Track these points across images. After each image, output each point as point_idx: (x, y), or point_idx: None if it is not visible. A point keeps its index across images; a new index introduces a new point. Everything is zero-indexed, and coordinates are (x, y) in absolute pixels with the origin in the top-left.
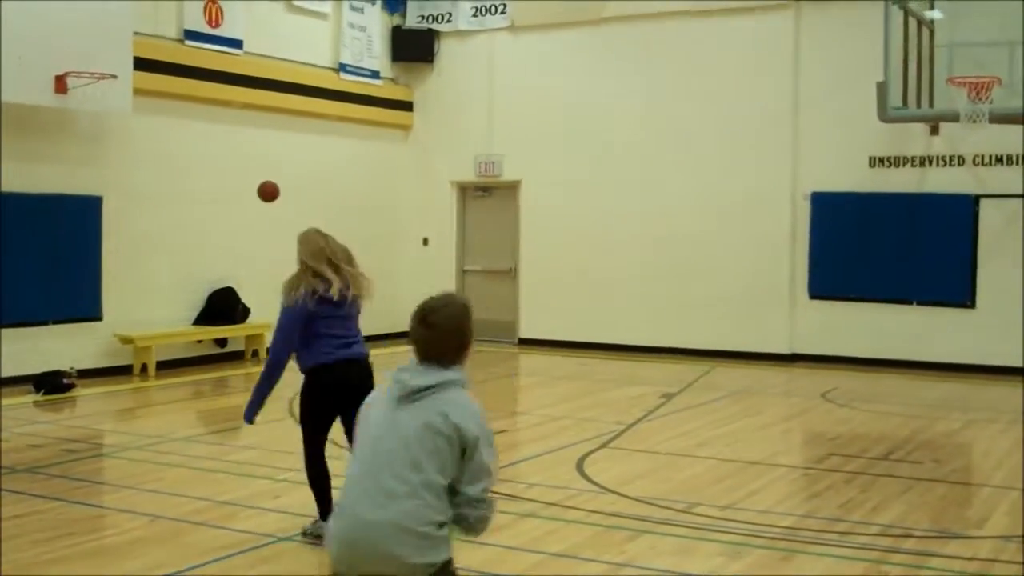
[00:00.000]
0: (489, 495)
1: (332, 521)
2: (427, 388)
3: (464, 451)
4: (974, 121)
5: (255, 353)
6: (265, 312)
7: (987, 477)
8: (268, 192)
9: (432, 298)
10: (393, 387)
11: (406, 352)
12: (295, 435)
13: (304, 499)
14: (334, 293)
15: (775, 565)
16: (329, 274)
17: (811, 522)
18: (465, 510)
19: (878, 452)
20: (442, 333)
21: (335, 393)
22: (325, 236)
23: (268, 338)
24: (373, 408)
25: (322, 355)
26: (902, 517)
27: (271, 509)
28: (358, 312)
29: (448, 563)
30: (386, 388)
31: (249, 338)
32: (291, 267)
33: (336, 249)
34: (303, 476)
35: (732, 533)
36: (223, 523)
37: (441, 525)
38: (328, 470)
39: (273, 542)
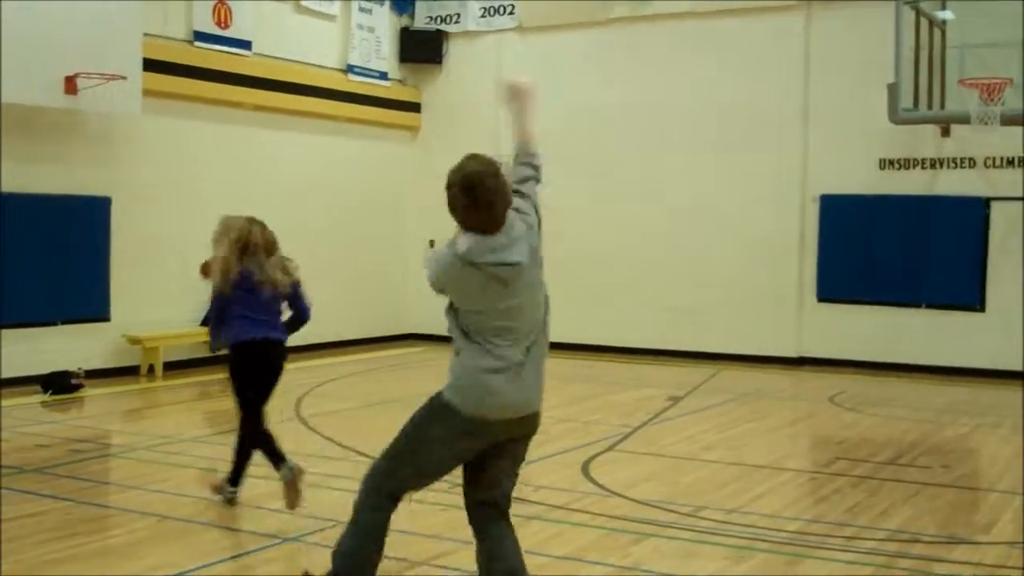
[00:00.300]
0: None
1: None
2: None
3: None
4: (985, 123)
5: None
6: None
7: (993, 482)
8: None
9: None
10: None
11: (415, 353)
12: (304, 437)
13: (313, 500)
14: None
15: (780, 569)
16: (245, 260)
17: (817, 527)
18: None
19: (885, 456)
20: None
21: (253, 368)
22: (252, 222)
23: None
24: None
25: (241, 334)
26: (909, 522)
27: (278, 510)
28: (279, 296)
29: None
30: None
31: None
32: (304, 269)
33: (257, 236)
34: (308, 478)
35: (737, 537)
36: (230, 523)
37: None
38: (266, 437)
39: (280, 543)
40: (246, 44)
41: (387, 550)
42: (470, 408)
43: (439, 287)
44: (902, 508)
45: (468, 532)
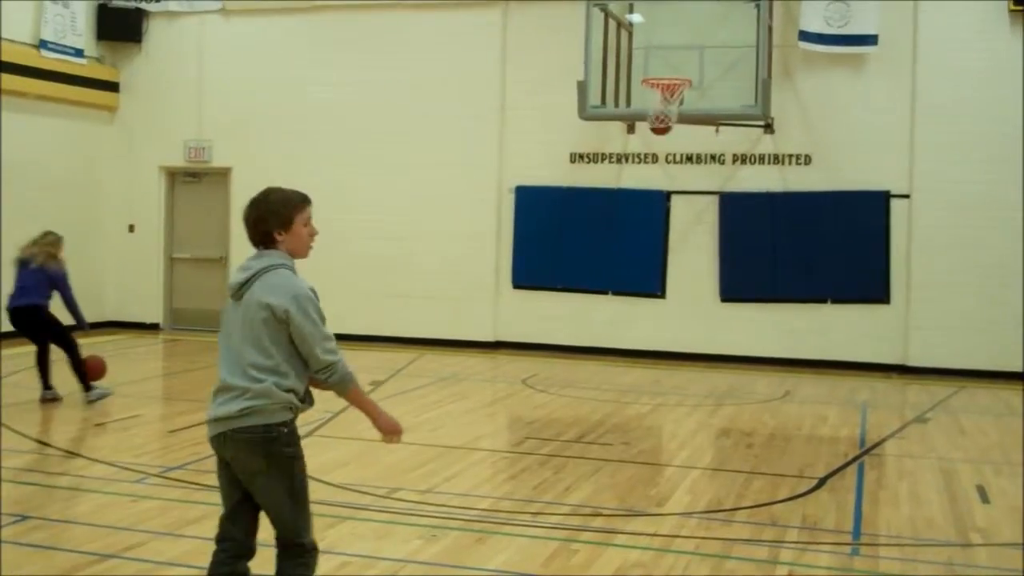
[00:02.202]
0: (338, 357)
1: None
2: (247, 280)
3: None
4: (663, 122)
5: None
6: None
7: (672, 457)
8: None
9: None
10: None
11: (112, 341)
12: None
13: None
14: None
15: (470, 546)
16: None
17: (506, 504)
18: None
19: (572, 435)
20: (257, 217)
21: None
22: None
23: None
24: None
25: None
26: (591, 497)
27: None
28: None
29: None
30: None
31: None
32: None
33: None
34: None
35: (430, 516)
36: None
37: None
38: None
39: None
40: None
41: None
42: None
43: None
44: (585, 484)
45: (157, 524)
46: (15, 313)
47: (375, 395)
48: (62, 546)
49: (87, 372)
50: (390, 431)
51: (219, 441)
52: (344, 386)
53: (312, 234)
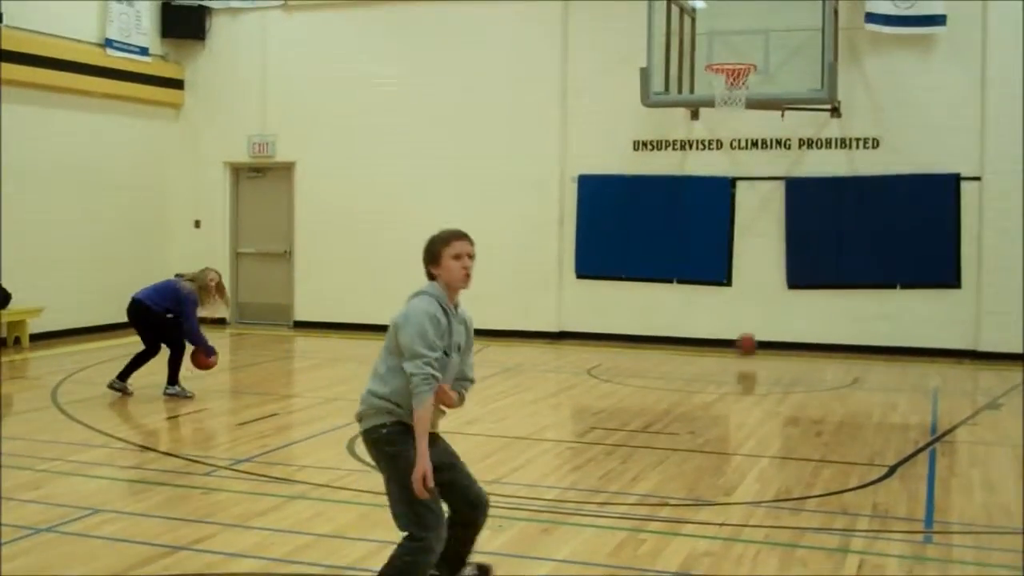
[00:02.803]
0: (419, 371)
1: None
2: None
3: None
4: (730, 106)
5: (17, 340)
6: (28, 297)
7: (739, 446)
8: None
9: None
10: None
11: None
12: (59, 425)
13: (70, 489)
14: None
15: (537, 537)
16: None
17: (572, 494)
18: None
19: (637, 425)
20: (424, 251)
21: None
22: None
23: (31, 324)
24: None
25: None
26: (658, 487)
27: (31, 500)
28: None
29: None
30: None
31: (11, 324)
32: (55, 250)
33: None
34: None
35: (497, 507)
36: None
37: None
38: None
39: (31, 534)
40: None
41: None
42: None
43: None
44: (652, 474)
45: (227, 516)
46: (132, 303)
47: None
48: (133, 539)
49: (199, 364)
50: (415, 477)
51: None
52: (416, 400)
53: (465, 265)
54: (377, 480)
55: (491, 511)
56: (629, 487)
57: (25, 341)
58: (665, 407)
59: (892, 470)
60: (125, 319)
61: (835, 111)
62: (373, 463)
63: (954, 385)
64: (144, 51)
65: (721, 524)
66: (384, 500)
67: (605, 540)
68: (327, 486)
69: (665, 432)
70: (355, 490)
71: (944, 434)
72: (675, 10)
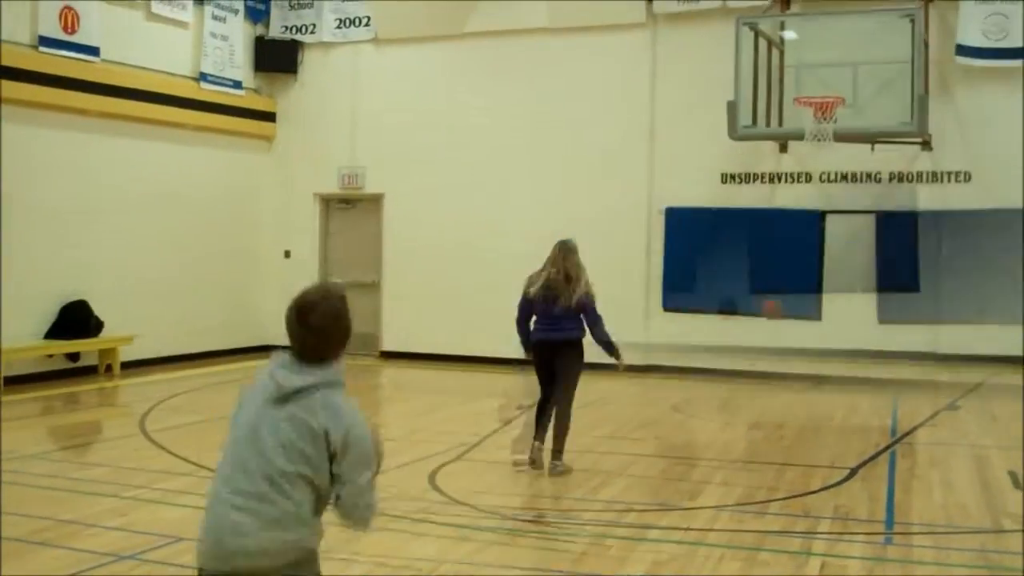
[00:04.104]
0: (363, 489)
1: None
2: (302, 389)
3: (334, 454)
4: (819, 140)
5: (108, 368)
6: (120, 325)
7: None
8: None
9: (307, 292)
10: (269, 384)
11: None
12: (146, 452)
13: (154, 517)
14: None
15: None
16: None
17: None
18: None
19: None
20: (320, 332)
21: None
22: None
23: (122, 352)
24: (245, 406)
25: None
26: (623, 493)
27: (115, 528)
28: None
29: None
30: (259, 385)
31: (103, 352)
32: (147, 279)
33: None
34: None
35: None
36: (64, 543)
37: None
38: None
39: (113, 561)
40: (94, 50)
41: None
42: None
43: None
44: (616, 480)
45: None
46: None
47: (522, 419)
48: None
49: None
50: None
51: None
52: None
53: None
54: (460, 511)
55: (453, 521)
56: (593, 493)
57: (116, 369)
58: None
59: (853, 472)
60: (217, 347)
61: (926, 144)
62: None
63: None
64: (238, 84)
65: (686, 529)
66: (465, 533)
67: (570, 547)
68: (408, 517)
69: (630, 437)
70: (436, 523)
71: (904, 436)
72: (763, 42)
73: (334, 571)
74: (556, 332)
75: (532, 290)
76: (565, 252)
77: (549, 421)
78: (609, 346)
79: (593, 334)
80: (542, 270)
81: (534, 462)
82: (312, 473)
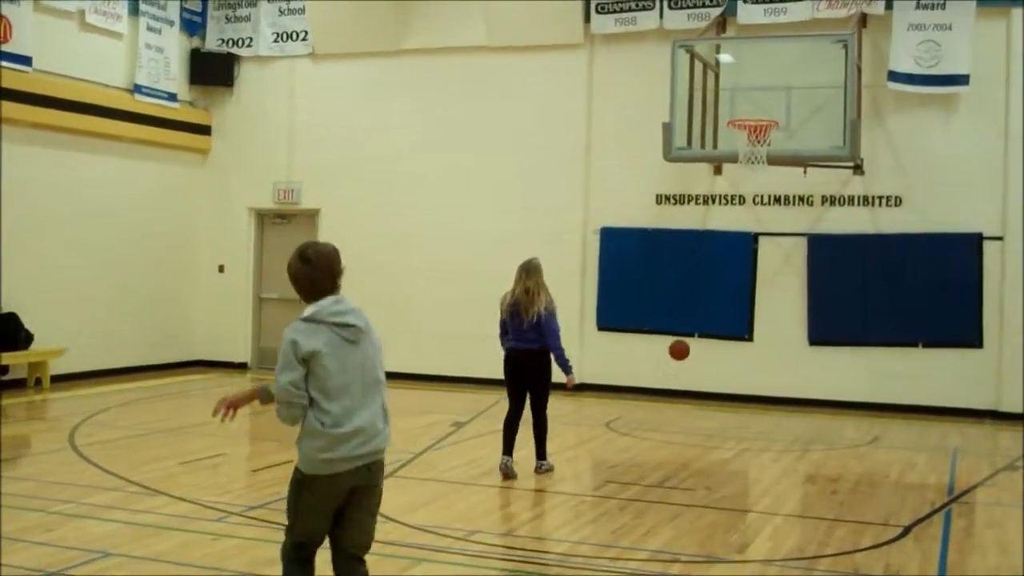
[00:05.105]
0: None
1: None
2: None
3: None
4: (753, 162)
5: (38, 381)
6: (50, 338)
7: (754, 503)
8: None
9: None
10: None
11: (198, 380)
12: (74, 467)
13: (82, 532)
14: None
15: None
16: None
17: (584, 548)
18: None
19: (654, 479)
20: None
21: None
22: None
23: (52, 365)
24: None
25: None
26: (671, 543)
27: (42, 543)
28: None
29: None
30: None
31: (32, 365)
32: (79, 292)
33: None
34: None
35: (507, 560)
36: None
37: None
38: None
39: None
40: (26, 60)
41: None
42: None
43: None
44: (665, 529)
45: (237, 563)
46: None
47: (455, 436)
48: None
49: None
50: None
51: (366, 470)
52: None
53: None
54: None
55: (503, 563)
56: (641, 542)
57: (46, 382)
58: (682, 461)
59: (907, 530)
60: (148, 362)
61: (858, 168)
62: (374, 491)
63: (974, 445)
64: (173, 97)
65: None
66: (391, 550)
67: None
68: None
69: (680, 487)
70: None
71: (961, 494)
72: (699, 65)
73: None
74: (522, 343)
75: (503, 308)
76: (528, 271)
77: (516, 434)
78: (561, 361)
79: (548, 344)
80: (512, 290)
81: (507, 476)
82: None
